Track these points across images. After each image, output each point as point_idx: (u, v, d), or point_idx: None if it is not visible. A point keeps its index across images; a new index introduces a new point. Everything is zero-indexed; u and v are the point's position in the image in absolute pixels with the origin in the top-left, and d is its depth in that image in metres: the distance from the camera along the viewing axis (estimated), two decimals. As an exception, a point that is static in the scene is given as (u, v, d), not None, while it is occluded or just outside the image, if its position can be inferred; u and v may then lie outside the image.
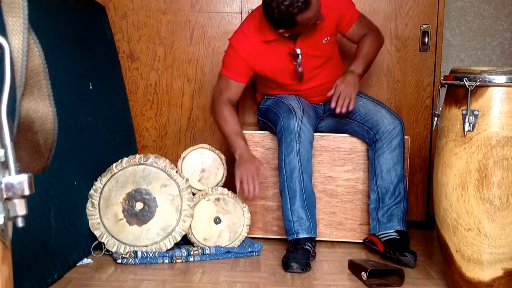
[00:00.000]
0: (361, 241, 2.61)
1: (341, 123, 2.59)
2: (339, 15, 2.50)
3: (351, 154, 2.63)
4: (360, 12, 2.58)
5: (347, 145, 2.63)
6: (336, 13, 2.49)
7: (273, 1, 2.20)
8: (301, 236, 2.37)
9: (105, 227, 2.36)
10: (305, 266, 2.25)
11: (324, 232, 2.65)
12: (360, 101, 2.56)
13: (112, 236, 2.36)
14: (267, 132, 2.66)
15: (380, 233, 2.48)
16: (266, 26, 2.39)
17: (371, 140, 2.52)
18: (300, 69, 2.49)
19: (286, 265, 2.26)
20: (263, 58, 2.47)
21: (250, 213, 2.56)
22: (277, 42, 2.44)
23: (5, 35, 0.85)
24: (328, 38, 2.51)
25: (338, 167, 2.64)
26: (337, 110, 2.39)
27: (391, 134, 2.46)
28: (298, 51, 2.44)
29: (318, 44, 2.49)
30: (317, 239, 2.46)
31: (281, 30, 2.33)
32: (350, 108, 2.40)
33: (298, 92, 2.60)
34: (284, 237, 2.53)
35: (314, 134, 2.49)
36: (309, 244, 2.37)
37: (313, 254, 2.38)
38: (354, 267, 2.24)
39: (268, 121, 2.61)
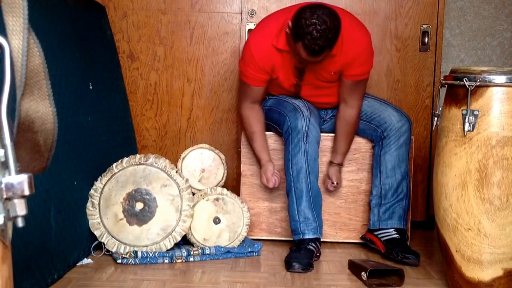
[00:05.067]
0: (364, 242, 2.61)
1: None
2: (355, 60, 2.38)
3: (355, 154, 2.63)
4: (368, 76, 2.50)
5: (351, 145, 2.63)
6: (355, 56, 2.37)
7: (313, 17, 2.14)
8: (307, 236, 2.38)
9: (105, 227, 2.36)
10: (307, 266, 2.25)
11: (328, 233, 2.65)
12: (365, 100, 2.58)
13: (112, 236, 2.36)
14: (271, 132, 2.65)
15: (378, 232, 2.49)
16: (283, 35, 2.35)
17: (378, 138, 2.53)
18: (300, 88, 2.50)
19: (288, 265, 2.26)
20: (273, 59, 2.42)
21: (254, 215, 2.56)
22: (288, 54, 2.38)
23: (5, 35, 0.85)
24: (337, 72, 2.44)
25: (342, 167, 2.64)
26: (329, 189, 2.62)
27: (400, 131, 2.47)
28: (303, 71, 2.43)
29: (326, 73, 2.45)
30: (321, 240, 2.46)
31: (287, 30, 2.28)
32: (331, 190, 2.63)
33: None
34: (289, 238, 2.54)
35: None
36: (313, 245, 2.37)
37: (318, 254, 2.39)
38: (354, 267, 2.24)
39: (271, 121, 2.60)
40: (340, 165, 2.59)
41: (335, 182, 2.57)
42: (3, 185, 0.81)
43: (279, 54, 2.40)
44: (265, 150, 2.56)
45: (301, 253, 2.31)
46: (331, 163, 2.60)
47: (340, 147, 2.57)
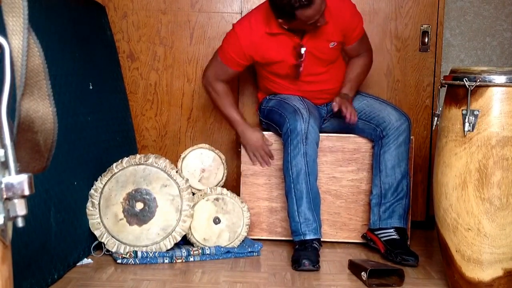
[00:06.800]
0: (365, 242, 2.61)
1: (346, 123, 2.58)
2: (348, 27, 2.49)
3: (355, 154, 2.63)
4: (364, 30, 2.58)
5: (351, 145, 2.63)
6: (346, 24, 2.48)
7: None
8: (308, 237, 2.38)
9: (105, 227, 2.36)
10: (316, 263, 2.26)
11: (329, 233, 2.65)
12: (364, 99, 2.61)
13: (112, 236, 2.36)
14: (270, 132, 2.66)
15: (379, 231, 2.49)
16: (273, 18, 2.39)
17: (377, 137, 2.53)
18: (301, 68, 2.49)
19: (297, 263, 2.26)
20: (265, 47, 2.46)
21: (254, 215, 2.55)
22: (283, 36, 2.43)
23: (5, 35, 0.85)
24: (335, 43, 2.50)
25: (342, 167, 2.64)
26: (348, 117, 2.47)
27: (398, 130, 2.48)
28: (303, 50, 2.44)
29: (324, 47, 2.49)
30: (321, 240, 2.46)
31: (280, 20, 2.34)
32: (355, 119, 2.49)
33: (301, 93, 2.60)
34: (289, 238, 2.53)
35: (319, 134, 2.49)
36: (317, 243, 2.39)
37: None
38: (354, 267, 2.24)
39: (272, 122, 2.61)
40: (349, 96, 2.58)
41: (336, 109, 2.49)
42: (3, 185, 0.81)
43: (273, 39, 2.44)
44: (237, 109, 2.61)
45: (308, 251, 2.32)
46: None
47: (347, 81, 2.60)
